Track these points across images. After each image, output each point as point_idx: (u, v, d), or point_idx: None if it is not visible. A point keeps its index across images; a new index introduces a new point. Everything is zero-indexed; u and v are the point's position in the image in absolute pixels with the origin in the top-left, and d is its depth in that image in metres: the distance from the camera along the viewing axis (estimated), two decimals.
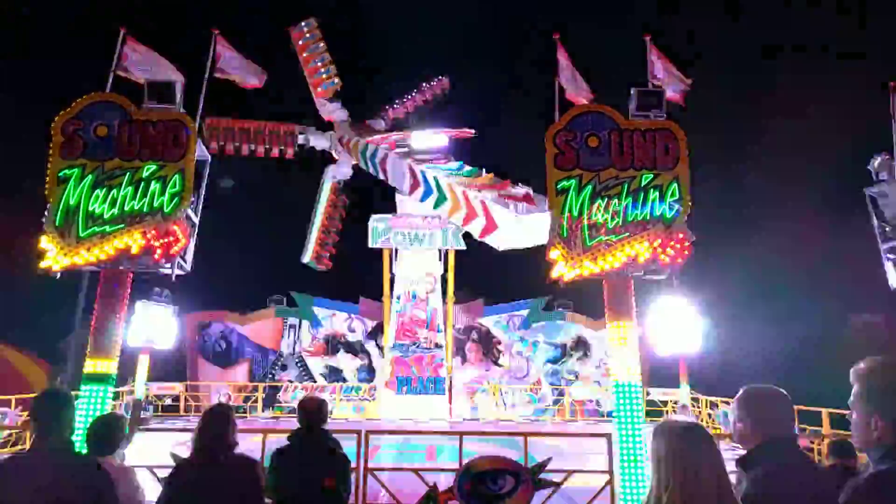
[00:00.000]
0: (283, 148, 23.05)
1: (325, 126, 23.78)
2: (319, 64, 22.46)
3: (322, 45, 22.53)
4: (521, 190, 19.35)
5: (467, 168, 21.46)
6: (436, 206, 20.76)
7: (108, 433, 3.90)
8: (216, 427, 3.60)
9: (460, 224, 20.43)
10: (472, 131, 23.66)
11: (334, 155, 24.21)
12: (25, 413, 13.56)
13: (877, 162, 12.90)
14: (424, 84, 25.30)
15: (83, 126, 8.26)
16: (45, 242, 7.95)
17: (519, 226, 20.54)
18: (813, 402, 14.27)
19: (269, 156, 22.93)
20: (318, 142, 23.79)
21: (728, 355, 25.54)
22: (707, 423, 19.10)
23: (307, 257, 24.69)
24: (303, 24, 22.38)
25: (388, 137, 23.64)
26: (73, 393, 3.66)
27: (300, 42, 22.38)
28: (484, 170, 20.79)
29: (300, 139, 23.32)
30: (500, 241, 21.85)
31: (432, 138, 23.90)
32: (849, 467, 4.71)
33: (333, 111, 23.35)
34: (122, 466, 3.85)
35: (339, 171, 24.54)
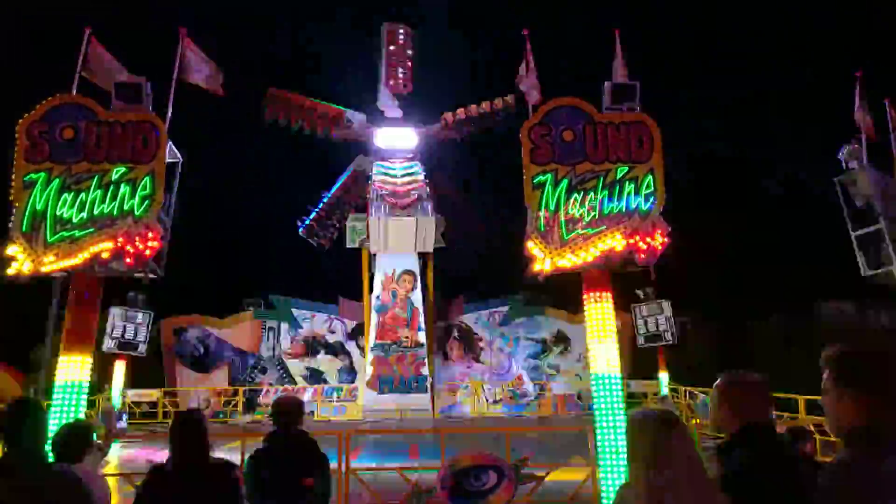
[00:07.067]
0: (328, 128, 24.70)
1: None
2: (400, 65, 24.93)
3: (410, 51, 25.01)
4: (406, 197, 20.11)
5: (415, 169, 22.13)
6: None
7: (72, 441, 3.82)
8: (189, 432, 3.54)
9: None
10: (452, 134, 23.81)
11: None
12: None
13: (846, 151, 13.13)
14: (488, 102, 25.45)
15: (49, 129, 8.05)
16: (12, 249, 7.74)
17: (382, 230, 21.53)
18: (789, 389, 14.51)
19: (315, 132, 24.68)
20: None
21: (704, 343, 25.89)
22: (687, 413, 19.31)
23: (301, 230, 26.11)
24: (400, 28, 25.16)
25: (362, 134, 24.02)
26: (45, 402, 3.58)
27: (392, 39, 25.01)
28: (423, 172, 21.59)
29: (347, 123, 24.65)
30: (372, 244, 22.84)
31: (397, 138, 24.22)
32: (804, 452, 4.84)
33: (391, 107, 25.05)
34: (90, 473, 3.77)
35: (365, 163, 25.40)
